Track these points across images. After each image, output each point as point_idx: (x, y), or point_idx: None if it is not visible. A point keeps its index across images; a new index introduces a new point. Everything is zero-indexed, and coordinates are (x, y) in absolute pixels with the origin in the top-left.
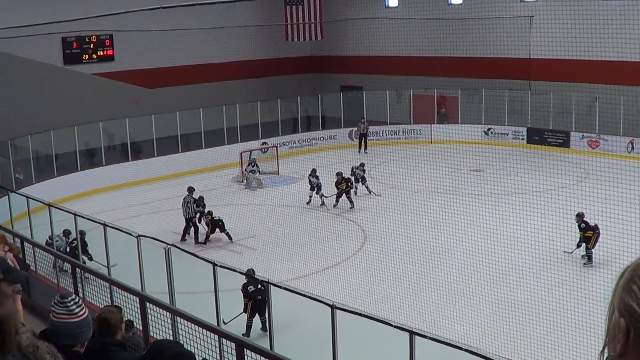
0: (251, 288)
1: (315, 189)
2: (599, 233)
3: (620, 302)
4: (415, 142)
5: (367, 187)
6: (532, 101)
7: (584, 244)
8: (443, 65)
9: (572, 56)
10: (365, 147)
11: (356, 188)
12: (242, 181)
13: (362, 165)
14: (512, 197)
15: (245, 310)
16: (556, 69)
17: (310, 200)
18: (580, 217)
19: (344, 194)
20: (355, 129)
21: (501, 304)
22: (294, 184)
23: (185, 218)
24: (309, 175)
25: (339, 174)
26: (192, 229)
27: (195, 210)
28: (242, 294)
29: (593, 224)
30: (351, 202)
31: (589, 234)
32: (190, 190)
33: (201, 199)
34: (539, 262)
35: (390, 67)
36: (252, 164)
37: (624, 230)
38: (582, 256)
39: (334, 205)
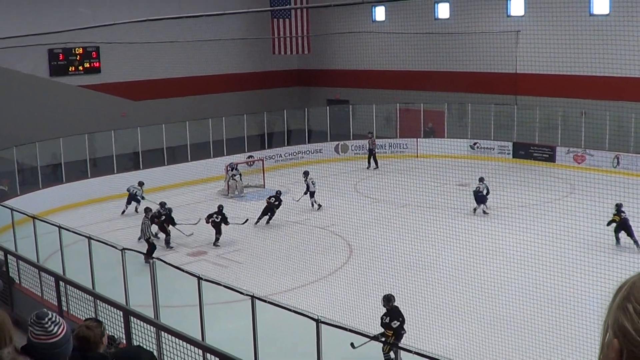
0: (395, 323)
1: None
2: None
3: (614, 322)
4: (401, 157)
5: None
6: (518, 116)
7: (622, 232)
8: (430, 79)
9: (558, 71)
10: (376, 164)
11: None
12: (227, 193)
13: (307, 173)
14: (497, 212)
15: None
16: (542, 84)
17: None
18: (619, 206)
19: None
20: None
21: (487, 318)
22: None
23: (145, 240)
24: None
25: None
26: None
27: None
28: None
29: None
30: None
31: (615, 218)
32: (147, 211)
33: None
34: (525, 277)
35: (377, 81)
36: (233, 168)
37: (609, 243)
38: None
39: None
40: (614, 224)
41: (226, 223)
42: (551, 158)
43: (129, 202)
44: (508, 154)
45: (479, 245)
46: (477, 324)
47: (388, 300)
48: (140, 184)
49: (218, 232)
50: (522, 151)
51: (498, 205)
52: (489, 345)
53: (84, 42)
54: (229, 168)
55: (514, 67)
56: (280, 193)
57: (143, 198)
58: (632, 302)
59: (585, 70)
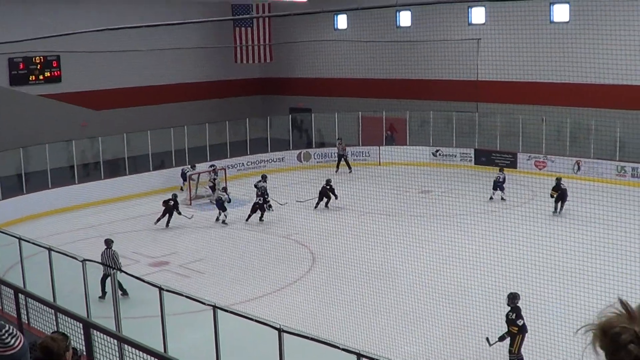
0: (521, 321)
1: (263, 195)
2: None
3: None
4: (363, 164)
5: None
6: (480, 123)
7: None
8: (391, 87)
9: (519, 78)
10: (349, 167)
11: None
12: (190, 203)
13: (265, 177)
14: (460, 218)
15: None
16: (503, 91)
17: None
18: (559, 180)
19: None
20: (336, 149)
21: (450, 325)
22: (241, 206)
23: (104, 274)
24: (258, 181)
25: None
26: (110, 285)
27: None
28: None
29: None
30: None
31: (552, 193)
32: (109, 242)
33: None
34: (488, 282)
35: (340, 89)
36: (216, 172)
37: (570, 249)
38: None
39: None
40: (555, 195)
41: (268, 205)
42: (513, 164)
43: (185, 179)
44: (470, 160)
45: (441, 251)
46: (440, 330)
47: (514, 297)
48: (193, 166)
49: (262, 210)
50: (484, 158)
51: (461, 211)
52: (452, 352)
53: (45, 51)
54: (212, 173)
55: (475, 75)
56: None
57: (192, 179)
58: None
59: (545, 77)
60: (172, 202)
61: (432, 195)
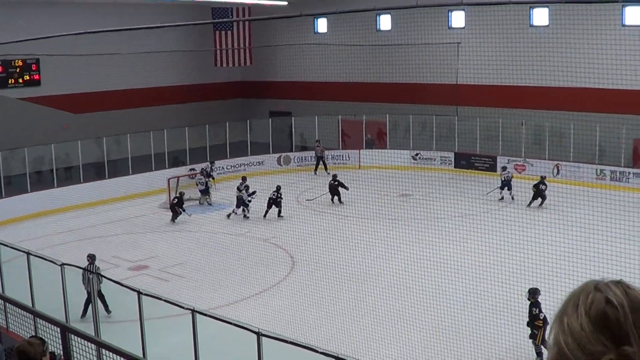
0: (542, 314)
1: (278, 191)
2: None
3: (552, 330)
4: (343, 168)
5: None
6: (459, 126)
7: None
8: (371, 90)
9: (499, 82)
10: (326, 168)
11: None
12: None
13: (245, 179)
14: (439, 222)
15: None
16: (483, 95)
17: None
18: (542, 178)
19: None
20: (314, 152)
21: (429, 328)
22: (221, 210)
23: (88, 292)
24: (241, 183)
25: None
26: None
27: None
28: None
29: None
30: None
31: (533, 189)
32: (92, 258)
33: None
34: (466, 285)
35: (320, 92)
36: (209, 175)
37: (549, 252)
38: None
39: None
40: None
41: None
42: (492, 168)
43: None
44: (450, 164)
45: (421, 255)
46: (419, 333)
47: (534, 292)
48: (212, 162)
49: (278, 206)
50: (464, 161)
51: (440, 215)
52: (431, 355)
53: (24, 55)
54: (203, 173)
55: (454, 78)
56: (279, 187)
57: (213, 178)
58: (569, 314)
59: (525, 81)
60: (175, 200)
61: (411, 199)
